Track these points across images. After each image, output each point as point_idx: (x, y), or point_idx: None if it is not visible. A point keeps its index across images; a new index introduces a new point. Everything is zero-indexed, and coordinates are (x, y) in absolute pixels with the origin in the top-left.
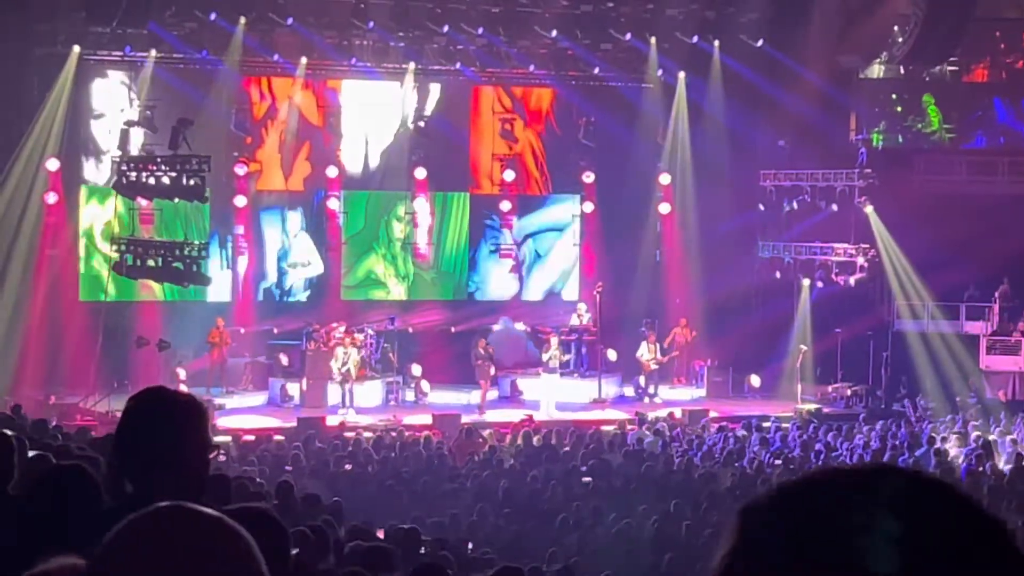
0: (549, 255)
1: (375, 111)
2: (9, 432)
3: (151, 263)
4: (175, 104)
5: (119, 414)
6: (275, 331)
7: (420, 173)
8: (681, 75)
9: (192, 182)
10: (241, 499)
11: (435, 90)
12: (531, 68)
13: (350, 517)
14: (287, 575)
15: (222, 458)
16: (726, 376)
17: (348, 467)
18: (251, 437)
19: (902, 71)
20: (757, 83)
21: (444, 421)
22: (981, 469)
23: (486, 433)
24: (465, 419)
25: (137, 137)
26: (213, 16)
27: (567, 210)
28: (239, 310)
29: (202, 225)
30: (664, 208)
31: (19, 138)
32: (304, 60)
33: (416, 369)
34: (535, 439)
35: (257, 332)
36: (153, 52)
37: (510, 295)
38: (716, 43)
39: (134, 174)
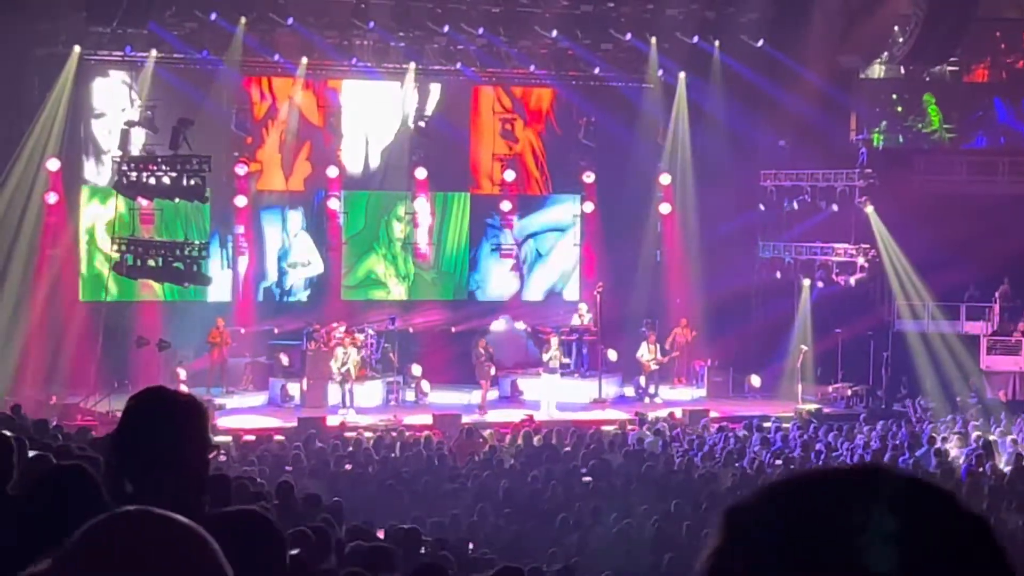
0: (550, 255)
1: (375, 111)
2: (9, 432)
3: (151, 263)
4: (175, 104)
5: (119, 414)
6: (275, 331)
7: (420, 173)
8: (681, 75)
9: (192, 182)
10: (241, 499)
11: (435, 90)
12: (531, 68)
13: (350, 517)
14: None
15: (222, 458)
16: (726, 376)
17: (348, 467)
18: (251, 437)
19: (902, 71)
20: (757, 83)
21: (444, 421)
22: (981, 469)
23: (486, 433)
24: (465, 419)
25: (138, 137)
26: (213, 16)
27: (568, 210)
28: (239, 310)
29: (202, 225)
30: (664, 208)
31: (19, 138)
32: (304, 60)
33: (416, 369)
34: (535, 439)
35: (257, 332)
36: (153, 52)
37: (510, 294)
38: (716, 43)
39: (135, 174)
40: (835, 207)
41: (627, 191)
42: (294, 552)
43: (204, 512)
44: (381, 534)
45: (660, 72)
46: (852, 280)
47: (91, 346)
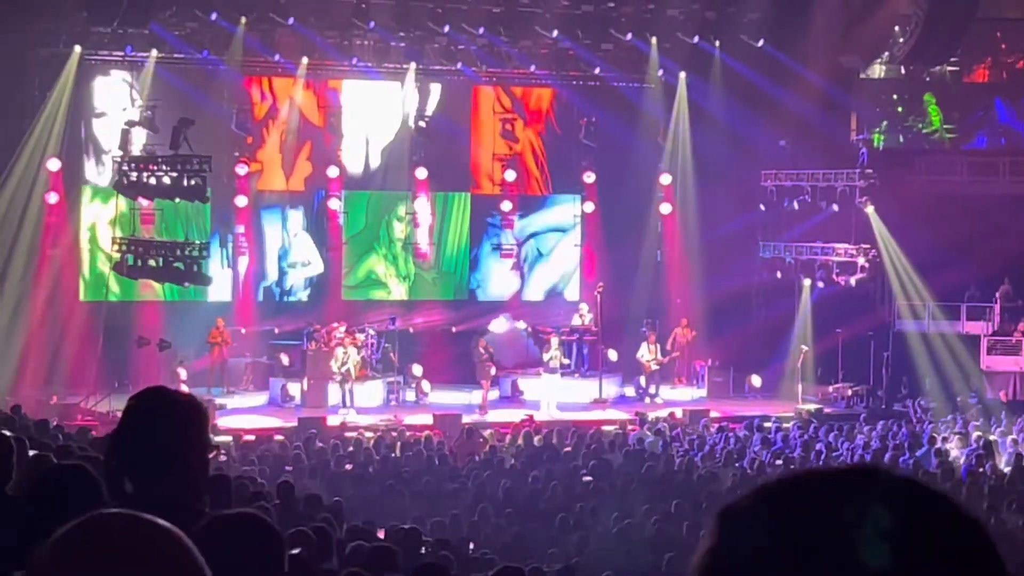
0: (551, 255)
1: (376, 111)
2: (9, 432)
3: (152, 263)
4: (176, 104)
5: (120, 414)
6: (276, 331)
7: (421, 173)
8: (682, 75)
9: (193, 182)
10: (241, 499)
11: (436, 90)
12: (532, 68)
13: (351, 517)
14: None
15: (223, 458)
16: (727, 376)
17: (349, 467)
18: (252, 437)
19: (903, 71)
20: (758, 83)
21: (445, 421)
22: (982, 469)
23: (487, 433)
24: (466, 419)
25: (138, 137)
26: (214, 16)
27: (569, 211)
28: (240, 310)
29: (203, 225)
30: (665, 208)
31: (20, 138)
32: (305, 60)
33: (417, 369)
34: (536, 439)
35: (258, 332)
36: (154, 52)
37: (511, 293)
38: (717, 43)
39: (135, 174)
40: (835, 207)
41: (627, 191)
42: (296, 552)
43: (204, 512)
44: (382, 534)
45: (661, 72)
46: (852, 280)
47: (91, 346)
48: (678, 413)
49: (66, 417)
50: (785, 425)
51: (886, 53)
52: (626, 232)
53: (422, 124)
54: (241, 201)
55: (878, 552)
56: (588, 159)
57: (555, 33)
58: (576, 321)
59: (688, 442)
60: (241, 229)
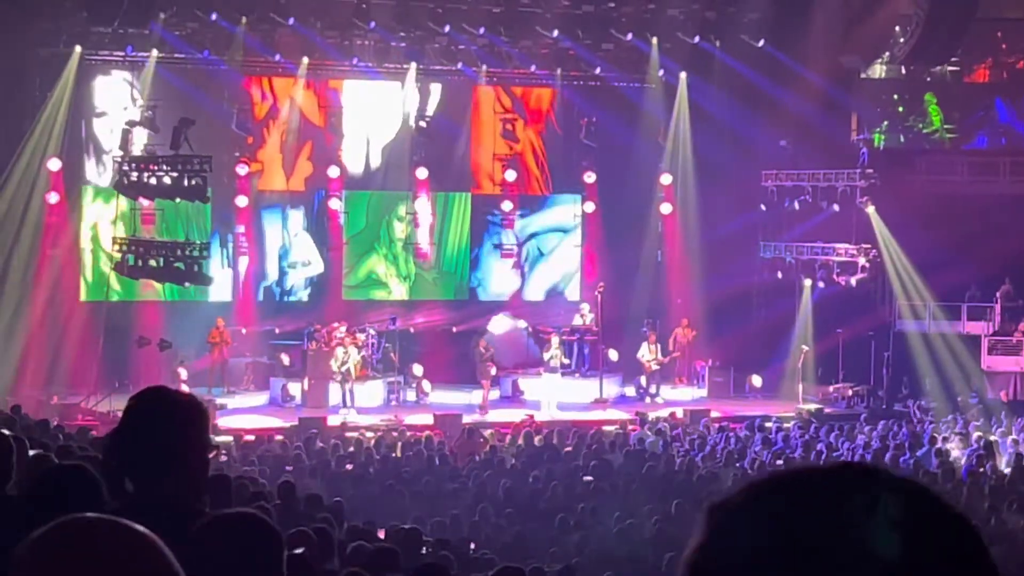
0: (552, 254)
1: (376, 111)
2: (9, 432)
3: (152, 263)
4: (177, 104)
5: (120, 414)
6: (276, 331)
7: (421, 173)
8: (682, 75)
9: (193, 182)
10: (242, 499)
11: (436, 90)
12: (532, 68)
13: (351, 517)
14: None
15: (223, 458)
16: (727, 376)
17: (349, 467)
18: (252, 437)
19: (903, 71)
20: (758, 83)
21: (445, 421)
22: (982, 469)
23: (487, 433)
24: (466, 419)
25: (139, 137)
26: (214, 16)
27: (570, 211)
28: (240, 310)
29: (203, 225)
30: (665, 208)
31: (20, 138)
32: (305, 60)
33: (417, 369)
34: (536, 439)
35: (258, 332)
36: (154, 52)
37: (511, 292)
38: (717, 43)
39: (136, 174)
40: (836, 207)
41: (628, 191)
42: (298, 552)
43: (204, 512)
44: (382, 534)
45: (661, 72)
46: (853, 280)
47: (92, 346)
48: (679, 413)
49: (66, 417)
50: (786, 425)
51: (886, 53)
52: (627, 232)
53: (423, 124)
54: (241, 201)
55: (888, 542)
56: (589, 159)
57: (555, 33)
58: (577, 321)
59: (689, 442)
60: (241, 229)
